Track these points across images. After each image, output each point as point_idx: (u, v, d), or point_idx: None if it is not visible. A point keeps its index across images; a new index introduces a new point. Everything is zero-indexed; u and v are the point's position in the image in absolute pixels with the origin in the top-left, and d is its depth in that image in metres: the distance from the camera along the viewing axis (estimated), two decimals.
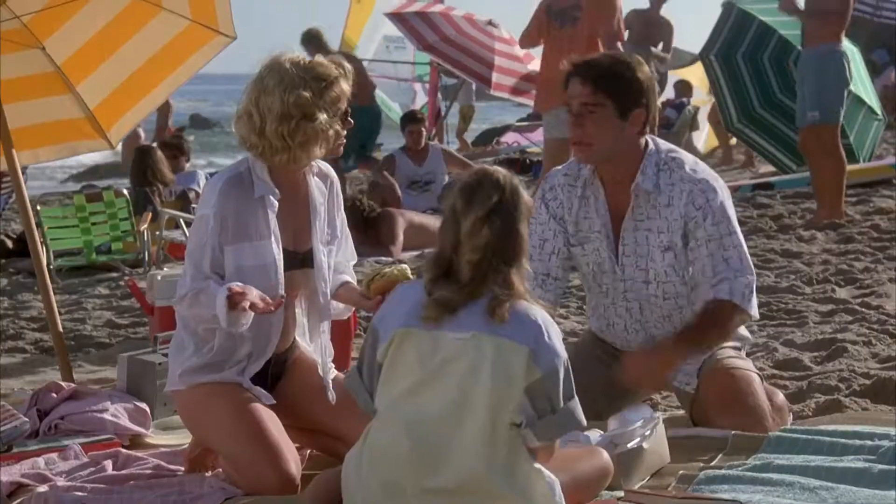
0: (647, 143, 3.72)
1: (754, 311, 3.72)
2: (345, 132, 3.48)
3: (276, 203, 3.43)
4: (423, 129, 10.06)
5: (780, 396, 3.89)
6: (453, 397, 2.78)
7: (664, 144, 3.77)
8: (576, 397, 2.86)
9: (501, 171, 2.89)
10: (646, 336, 3.81)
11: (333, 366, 3.59)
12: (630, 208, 3.70)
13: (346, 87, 3.44)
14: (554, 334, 2.83)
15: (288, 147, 3.36)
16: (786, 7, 8.61)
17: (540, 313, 2.83)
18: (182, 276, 3.47)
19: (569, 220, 3.79)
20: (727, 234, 3.66)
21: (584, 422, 2.89)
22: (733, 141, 13.28)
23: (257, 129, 3.37)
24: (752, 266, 3.73)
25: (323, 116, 3.37)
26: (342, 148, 3.51)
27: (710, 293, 3.65)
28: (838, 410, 3.94)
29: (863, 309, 5.56)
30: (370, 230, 8.39)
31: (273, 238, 3.42)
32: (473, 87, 17.08)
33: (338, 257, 3.62)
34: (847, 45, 8.50)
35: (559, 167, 3.89)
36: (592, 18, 7.24)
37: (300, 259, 3.50)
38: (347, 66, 3.48)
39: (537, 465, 2.84)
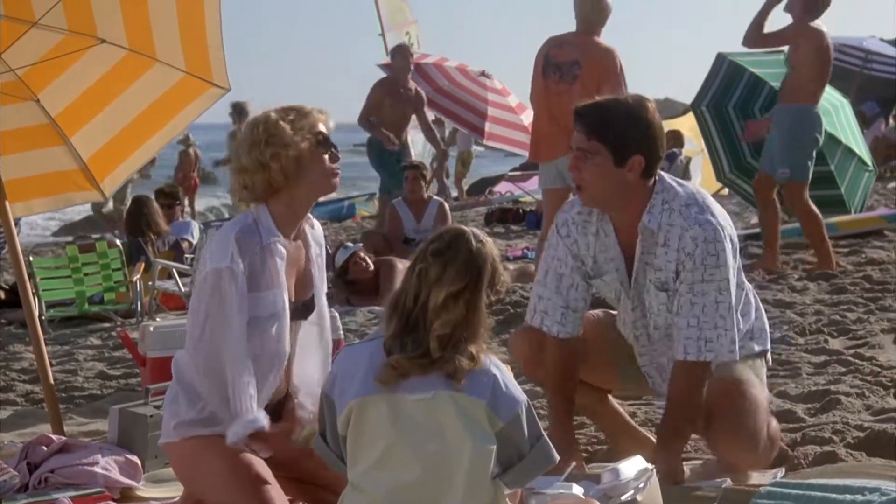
0: (655, 182, 3.73)
1: (730, 356, 3.71)
2: (337, 166, 3.47)
3: (285, 251, 3.43)
4: (419, 176, 9.96)
5: (775, 424, 3.90)
6: (428, 459, 2.76)
7: (676, 184, 3.76)
8: (544, 435, 2.86)
9: (478, 239, 2.84)
10: (650, 360, 3.94)
11: None
12: (638, 247, 3.75)
13: (321, 117, 3.45)
14: (509, 381, 2.84)
15: (263, 165, 3.36)
16: (750, 137, 8.95)
17: (493, 363, 2.84)
18: (202, 324, 3.36)
19: (586, 256, 3.84)
20: (708, 280, 3.65)
21: (556, 458, 2.89)
22: (725, 192, 13.33)
23: (237, 170, 3.42)
24: (725, 312, 3.67)
25: (287, 130, 3.37)
26: (337, 181, 3.48)
27: (676, 351, 3.70)
28: (833, 462, 3.93)
29: (856, 360, 5.55)
30: (367, 280, 8.35)
31: (282, 286, 3.42)
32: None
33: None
34: (837, 98, 8.56)
35: (573, 200, 3.91)
36: (594, 78, 7.20)
37: (300, 309, 3.51)
38: (323, 113, 3.49)
39: None
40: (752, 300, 3.97)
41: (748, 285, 3.96)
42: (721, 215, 3.76)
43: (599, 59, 7.20)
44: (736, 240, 3.78)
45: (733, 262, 3.74)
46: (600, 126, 3.64)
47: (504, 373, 2.85)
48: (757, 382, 3.85)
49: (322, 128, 3.45)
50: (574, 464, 3.60)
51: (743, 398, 3.74)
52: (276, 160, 3.37)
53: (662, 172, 3.80)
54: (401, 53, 11.49)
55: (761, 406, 3.76)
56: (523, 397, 2.84)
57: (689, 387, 3.71)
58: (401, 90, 11.07)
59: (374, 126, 10.94)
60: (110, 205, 15.25)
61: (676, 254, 3.68)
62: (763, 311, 4.06)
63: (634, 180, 3.68)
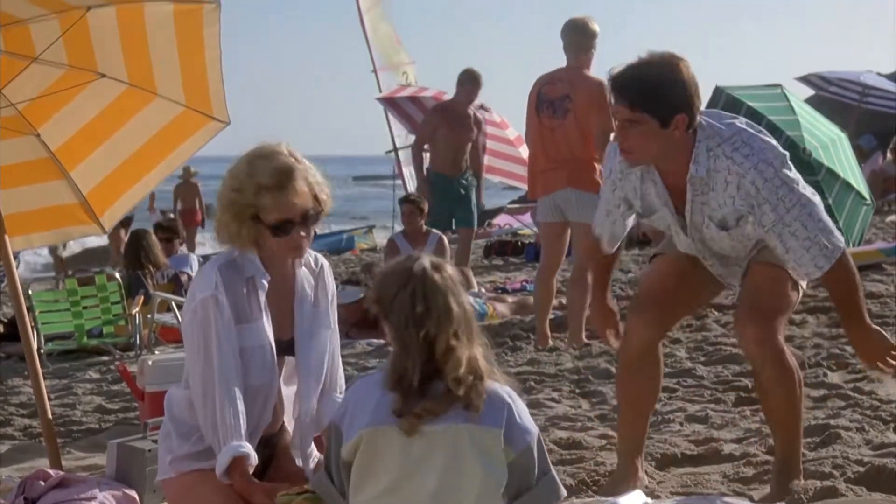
0: (696, 131, 3.85)
1: (841, 244, 3.91)
2: (303, 235, 3.41)
3: (266, 284, 3.44)
4: (417, 210, 9.97)
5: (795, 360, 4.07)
6: (438, 491, 2.75)
7: (716, 124, 3.88)
8: (552, 470, 2.86)
9: (434, 266, 2.82)
10: (718, 260, 4.13)
11: (315, 449, 3.57)
12: (689, 193, 3.91)
13: (302, 188, 3.38)
14: (522, 411, 2.84)
15: (224, 210, 3.38)
16: None
17: (507, 392, 2.84)
18: (192, 355, 3.38)
19: (634, 199, 4.06)
20: (785, 211, 3.81)
21: (564, 493, 2.89)
22: None
23: (218, 214, 3.42)
24: (821, 216, 3.86)
25: (248, 188, 3.34)
26: (300, 252, 3.45)
27: (813, 271, 3.88)
28: (833, 497, 3.92)
29: (855, 394, 5.55)
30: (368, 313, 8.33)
31: (266, 318, 3.42)
32: None
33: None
34: (834, 131, 8.57)
35: (613, 147, 4.07)
36: (584, 109, 7.24)
37: (283, 347, 3.50)
38: (314, 172, 3.45)
39: None
40: None
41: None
42: (767, 144, 3.86)
43: (589, 90, 7.23)
44: (784, 151, 3.87)
45: (796, 175, 3.87)
46: (642, 96, 3.76)
47: (517, 403, 2.84)
48: (793, 283, 4.03)
49: (297, 203, 3.37)
50: None
51: (776, 284, 4.00)
52: (246, 227, 3.37)
53: (701, 118, 3.89)
54: (469, 79, 10.42)
55: (784, 300, 4.01)
56: (535, 429, 2.84)
57: (843, 283, 3.94)
58: (458, 117, 10.40)
59: (418, 159, 10.54)
60: (63, 248, 15.44)
61: (739, 199, 3.83)
62: None
63: (681, 136, 3.82)
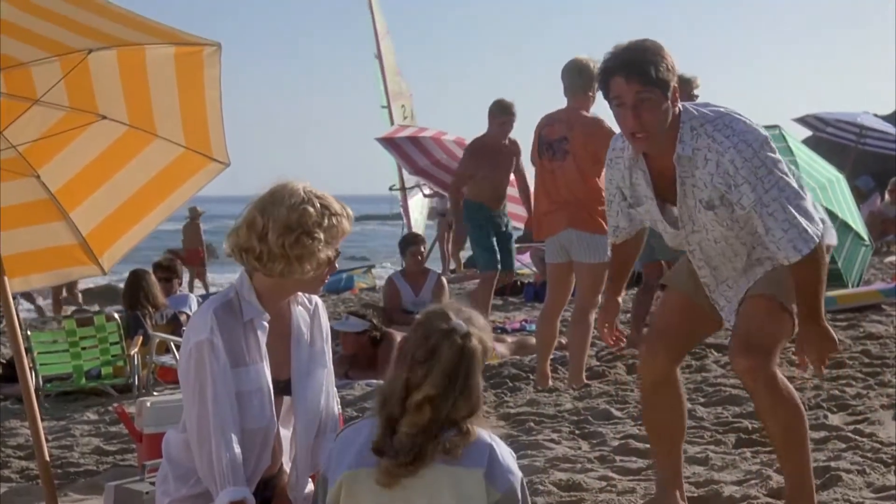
0: (679, 110, 3.96)
1: (828, 240, 3.99)
2: (328, 274, 3.48)
3: (267, 326, 3.43)
4: (416, 250, 9.99)
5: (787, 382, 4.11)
6: None
7: (701, 108, 4.00)
8: None
9: (462, 333, 2.84)
10: (710, 270, 4.20)
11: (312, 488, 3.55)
12: (677, 175, 3.98)
13: (347, 226, 3.46)
14: (506, 453, 2.84)
15: (286, 256, 3.36)
16: None
17: (489, 435, 2.84)
18: (189, 398, 3.35)
19: (624, 187, 4.20)
20: (764, 191, 3.87)
21: None
22: None
23: (258, 234, 3.36)
24: (802, 202, 3.91)
25: (321, 237, 3.39)
26: (321, 288, 3.50)
27: (792, 254, 3.91)
28: None
29: (856, 436, 5.52)
30: (366, 353, 8.33)
31: (265, 362, 3.41)
32: None
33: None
34: (832, 172, 8.58)
35: (616, 136, 4.19)
36: (582, 148, 7.25)
37: (279, 387, 3.49)
38: (350, 212, 3.50)
39: None
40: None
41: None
42: (748, 127, 3.92)
43: (585, 128, 7.23)
44: (765, 134, 3.92)
45: (777, 157, 3.92)
46: (654, 69, 3.87)
47: (501, 446, 2.84)
48: (786, 317, 4.10)
49: (339, 242, 3.46)
50: None
51: (767, 314, 4.07)
52: (297, 248, 3.36)
53: (685, 103, 4.01)
54: (500, 110, 9.62)
55: (776, 329, 4.07)
56: (520, 473, 2.84)
57: (813, 275, 3.97)
58: (494, 152, 9.66)
59: (454, 199, 10.04)
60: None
61: (717, 177, 3.90)
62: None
63: (673, 112, 3.94)
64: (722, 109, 4.00)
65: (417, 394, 2.77)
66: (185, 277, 19.71)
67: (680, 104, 3.97)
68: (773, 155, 3.91)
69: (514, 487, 2.79)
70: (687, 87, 7.45)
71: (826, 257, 3.98)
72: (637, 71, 3.87)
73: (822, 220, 4.07)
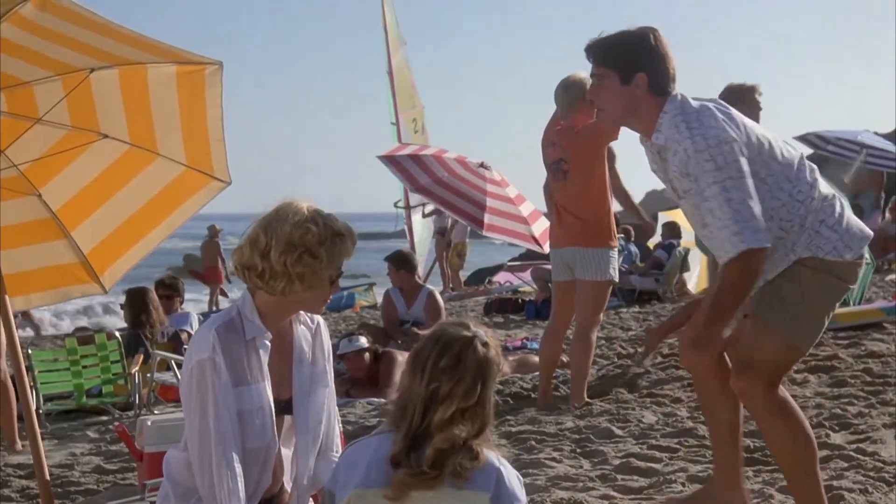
0: (664, 103, 3.98)
1: (755, 243, 3.85)
2: (330, 295, 3.49)
3: (269, 345, 3.43)
4: (410, 272, 10.10)
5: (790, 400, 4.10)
6: None
7: (689, 101, 4.00)
8: None
9: (484, 343, 2.85)
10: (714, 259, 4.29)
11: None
12: (648, 158, 4.11)
13: (350, 247, 3.46)
14: (513, 477, 2.84)
15: (287, 274, 3.37)
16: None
17: (497, 458, 2.84)
18: (190, 417, 3.36)
19: (657, 172, 4.20)
20: (705, 186, 3.88)
21: None
22: None
23: (261, 251, 3.37)
24: (745, 207, 3.85)
25: (324, 256, 3.39)
26: (323, 307, 3.52)
27: (729, 250, 3.88)
28: None
29: (858, 455, 5.51)
30: (367, 372, 8.33)
31: (267, 381, 3.41)
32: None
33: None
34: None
35: None
36: (579, 163, 7.26)
37: (281, 406, 3.49)
38: (354, 232, 3.51)
39: None
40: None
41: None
42: (719, 126, 3.89)
43: (579, 141, 7.21)
44: (736, 138, 3.88)
45: (738, 160, 3.87)
46: (605, 52, 4.02)
47: (508, 469, 2.84)
48: (791, 351, 4.11)
49: (342, 264, 3.46)
50: None
51: (758, 335, 4.06)
52: (299, 266, 3.36)
53: (680, 92, 4.04)
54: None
55: (767, 349, 4.03)
56: (525, 499, 2.82)
57: (730, 276, 3.90)
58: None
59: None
60: None
61: (681, 167, 3.94)
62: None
63: (643, 97, 4.00)
64: (710, 105, 3.99)
65: (449, 405, 2.76)
66: (207, 295, 19.70)
67: (679, 94, 4.00)
68: (731, 156, 3.86)
69: None
70: (749, 93, 7.46)
71: (754, 268, 3.89)
72: (594, 51, 4.05)
73: (846, 217, 4.16)
